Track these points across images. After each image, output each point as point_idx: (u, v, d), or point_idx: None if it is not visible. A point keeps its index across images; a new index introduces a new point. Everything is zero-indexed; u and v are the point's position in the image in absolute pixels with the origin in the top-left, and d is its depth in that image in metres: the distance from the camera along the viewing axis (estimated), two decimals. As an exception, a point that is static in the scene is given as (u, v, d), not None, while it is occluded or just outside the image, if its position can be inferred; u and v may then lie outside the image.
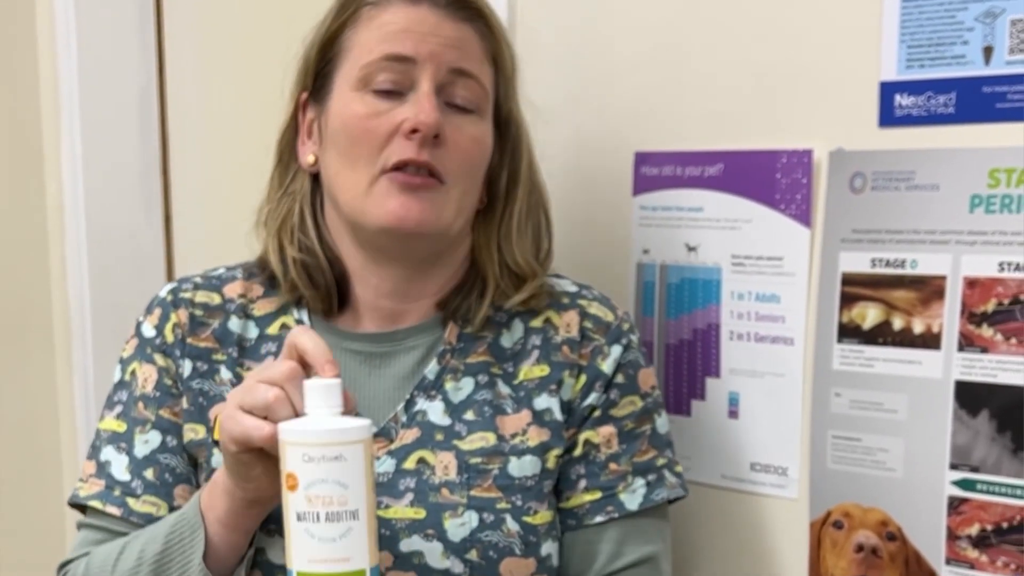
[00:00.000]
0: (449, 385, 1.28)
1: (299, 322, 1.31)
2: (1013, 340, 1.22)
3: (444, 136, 1.23)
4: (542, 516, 1.26)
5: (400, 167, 1.22)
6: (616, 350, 1.30)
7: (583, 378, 1.29)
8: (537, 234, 1.35)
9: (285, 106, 1.33)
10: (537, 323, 1.31)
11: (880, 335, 1.31)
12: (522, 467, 1.25)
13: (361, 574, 1.05)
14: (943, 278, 1.27)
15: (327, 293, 1.30)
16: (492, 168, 1.31)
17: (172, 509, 1.27)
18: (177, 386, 1.30)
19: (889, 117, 1.29)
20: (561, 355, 1.29)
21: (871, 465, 1.32)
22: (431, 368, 1.29)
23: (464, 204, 1.27)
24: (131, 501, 1.28)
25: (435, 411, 1.27)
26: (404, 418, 1.27)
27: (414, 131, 1.21)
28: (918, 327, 1.28)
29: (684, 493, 1.33)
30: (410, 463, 1.25)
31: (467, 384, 1.29)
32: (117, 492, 1.28)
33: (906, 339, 1.29)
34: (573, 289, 1.35)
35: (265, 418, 1.08)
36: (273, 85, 1.33)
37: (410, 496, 1.23)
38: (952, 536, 1.27)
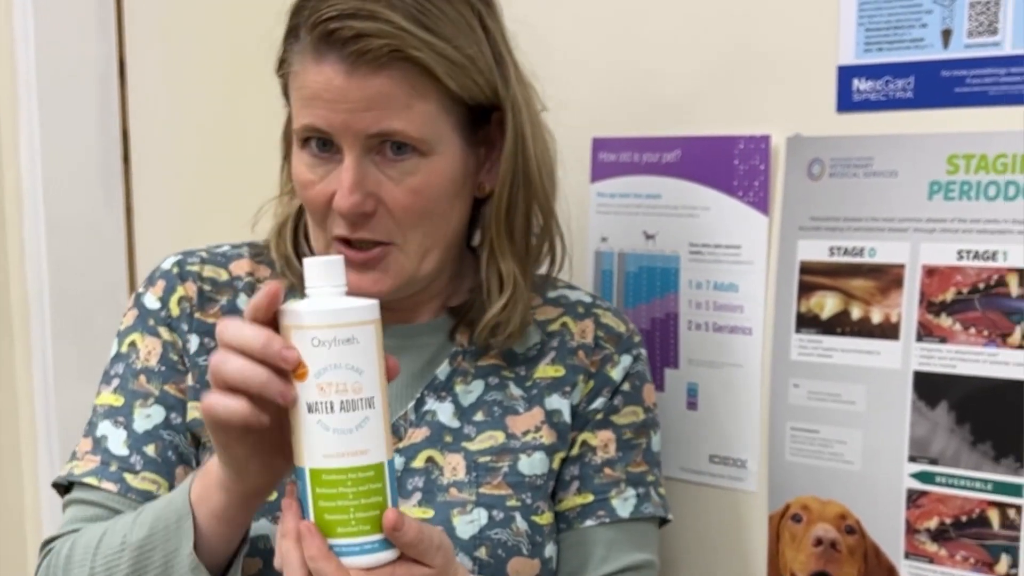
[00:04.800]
0: (459, 387, 1.26)
1: None
2: (972, 330, 1.20)
3: (380, 199, 1.16)
4: (547, 517, 1.24)
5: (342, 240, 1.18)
6: (626, 359, 1.29)
7: (591, 384, 1.28)
8: (525, 231, 1.26)
9: (254, 94, 1.28)
10: (555, 327, 1.29)
11: (838, 325, 1.29)
12: (532, 465, 1.23)
13: (379, 468, 0.98)
14: (902, 266, 1.24)
15: None
16: (481, 163, 1.24)
17: (172, 489, 1.21)
18: (183, 362, 1.26)
19: (847, 102, 1.27)
20: (576, 359, 1.28)
21: (829, 457, 1.30)
22: (442, 369, 1.26)
23: (430, 243, 1.20)
24: (129, 477, 1.22)
25: (445, 412, 1.25)
26: (413, 417, 1.25)
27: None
28: (876, 317, 1.26)
29: (666, 515, 1.30)
30: (419, 462, 1.22)
31: (477, 386, 1.27)
32: (114, 467, 1.22)
33: (864, 329, 1.27)
34: (588, 300, 1.33)
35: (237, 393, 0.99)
36: (237, 73, 1.30)
37: (418, 496, 1.21)
38: (911, 529, 1.25)
